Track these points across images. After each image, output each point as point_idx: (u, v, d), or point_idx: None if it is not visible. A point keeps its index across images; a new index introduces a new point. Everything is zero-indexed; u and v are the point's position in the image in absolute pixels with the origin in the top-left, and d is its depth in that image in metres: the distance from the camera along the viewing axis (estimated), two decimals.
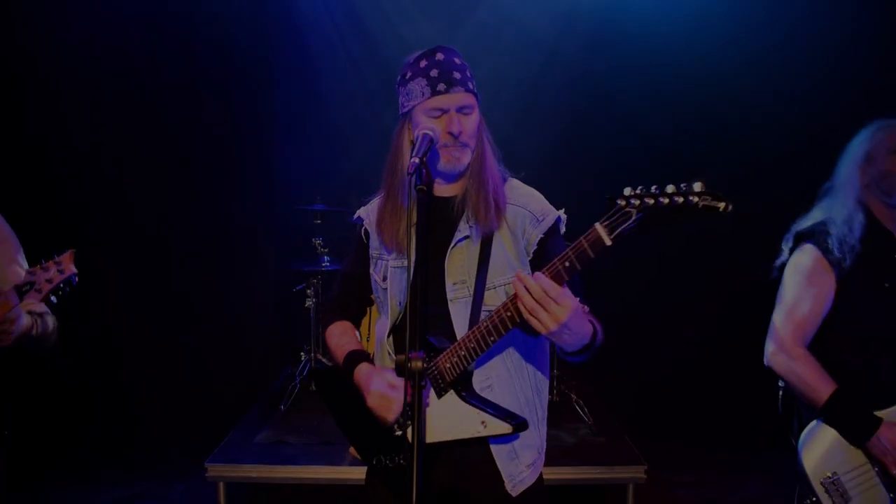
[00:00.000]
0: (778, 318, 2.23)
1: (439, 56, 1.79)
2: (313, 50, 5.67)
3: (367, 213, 2.01)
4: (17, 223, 2.38)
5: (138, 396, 5.26)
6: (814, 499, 2.10)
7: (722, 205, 1.39)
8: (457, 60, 1.81)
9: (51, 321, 2.30)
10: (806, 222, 2.31)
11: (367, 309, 2.15)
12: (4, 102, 4.82)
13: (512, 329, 1.64)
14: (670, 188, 1.42)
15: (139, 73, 5.28)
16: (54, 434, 4.81)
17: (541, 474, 1.92)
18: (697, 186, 1.40)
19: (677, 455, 4.71)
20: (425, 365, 1.75)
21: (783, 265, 2.32)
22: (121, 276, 5.28)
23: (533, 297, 1.49)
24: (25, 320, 2.10)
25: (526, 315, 1.53)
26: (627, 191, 1.46)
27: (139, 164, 5.37)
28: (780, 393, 2.35)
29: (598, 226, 1.48)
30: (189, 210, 5.51)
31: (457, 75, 1.77)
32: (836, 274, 2.14)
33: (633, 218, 1.44)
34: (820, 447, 2.11)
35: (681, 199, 1.40)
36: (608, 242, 1.47)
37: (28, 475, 4.30)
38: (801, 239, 2.27)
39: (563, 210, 1.89)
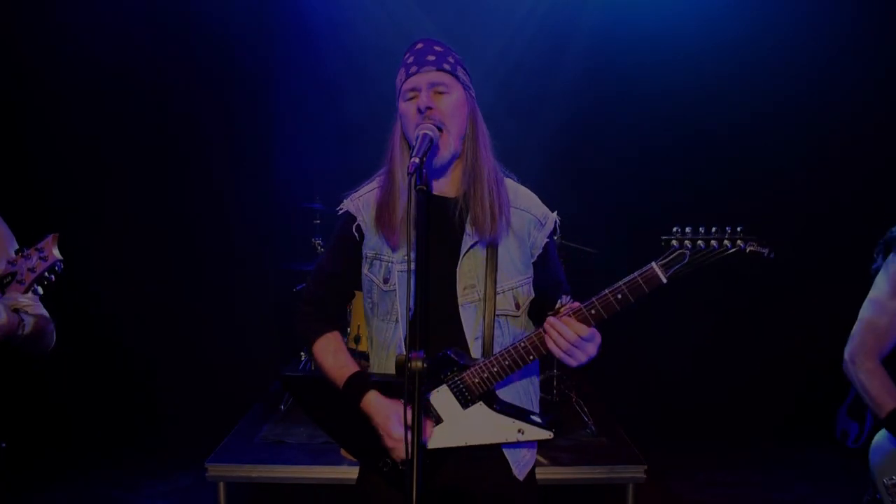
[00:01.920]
0: (858, 326, 2.25)
1: (419, 45, 1.83)
2: (314, 49, 5.66)
3: (359, 208, 1.93)
4: (17, 226, 2.33)
5: (138, 396, 5.27)
6: (878, 496, 2.16)
7: (766, 250, 1.56)
8: (436, 47, 1.81)
9: (49, 326, 2.14)
10: None
11: (348, 307, 2.13)
12: (4, 99, 4.82)
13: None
14: (717, 231, 1.59)
15: (138, 73, 5.28)
16: (53, 434, 4.81)
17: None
18: (741, 230, 1.57)
19: (678, 455, 4.71)
20: (449, 377, 1.76)
21: (877, 270, 2.29)
22: (121, 276, 5.28)
23: (568, 342, 1.63)
24: (5, 317, 1.92)
25: (559, 354, 1.66)
26: (677, 230, 1.60)
27: (139, 165, 5.37)
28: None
29: (654, 265, 1.61)
30: (189, 210, 5.51)
31: (430, 57, 1.78)
32: None
33: (687, 259, 1.59)
34: (889, 450, 2.17)
35: (730, 244, 1.57)
36: (664, 280, 1.60)
37: (27, 474, 4.30)
38: (890, 247, 2.23)
39: (556, 212, 1.95)
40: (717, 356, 5.48)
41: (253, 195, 5.69)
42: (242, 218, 5.67)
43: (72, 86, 5.07)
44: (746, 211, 4.95)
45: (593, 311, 1.62)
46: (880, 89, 5.02)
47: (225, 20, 5.35)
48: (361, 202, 1.94)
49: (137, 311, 5.39)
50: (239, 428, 4.14)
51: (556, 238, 1.96)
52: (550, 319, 1.64)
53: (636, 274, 1.61)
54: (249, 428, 4.13)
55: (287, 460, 3.66)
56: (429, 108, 1.74)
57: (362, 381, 1.84)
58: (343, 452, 3.57)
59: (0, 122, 4.83)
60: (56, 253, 1.89)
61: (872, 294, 2.23)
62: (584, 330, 1.62)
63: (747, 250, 1.56)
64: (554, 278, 1.92)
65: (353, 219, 1.94)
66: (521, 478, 1.88)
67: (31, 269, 1.88)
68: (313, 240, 4.94)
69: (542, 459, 3.58)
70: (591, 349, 1.66)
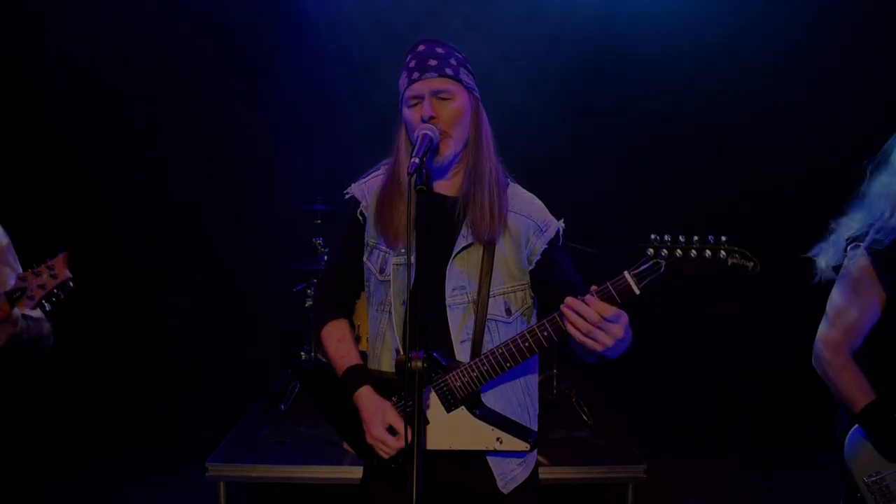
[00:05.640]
0: (826, 321, 2.22)
1: (420, 48, 1.79)
2: (314, 48, 5.65)
3: (364, 193, 1.94)
4: (14, 225, 2.34)
5: (138, 397, 5.26)
6: (858, 495, 2.11)
7: (751, 264, 1.40)
8: (438, 49, 1.78)
9: (45, 327, 2.20)
10: (851, 228, 2.23)
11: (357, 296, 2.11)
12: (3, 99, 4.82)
13: (531, 357, 1.65)
14: (698, 240, 1.43)
15: (138, 72, 5.27)
16: (53, 435, 4.81)
17: (534, 470, 1.93)
18: (725, 240, 1.41)
19: (678, 454, 4.71)
20: (434, 379, 1.75)
21: (837, 266, 2.23)
22: (120, 276, 5.27)
23: (588, 322, 1.47)
24: (19, 324, 2.00)
25: (580, 338, 1.49)
26: (655, 238, 1.46)
27: (138, 165, 5.36)
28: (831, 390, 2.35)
29: (627, 274, 1.49)
30: (189, 209, 5.50)
31: (433, 62, 1.75)
32: (886, 286, 2.08)
33: (663, 269, 1.46)
34: (865, 446, 2.13)
35: (709, 254, 1.41)
36: (636, 291, 1.49)
37: (28, 475, 4.30)
38: (852, 243, 2.19)
39: (562, 220, 1.88)
40: (718, 355, 5.47)
41: (253, 195, 5.68)
42: (243, 218, 5.66)
43: (70, 84, 5.05)
44: (759, 206, 4.91)
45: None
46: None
47: (226, 18, 5.34)
48: (366, 187, 1.95)
49: (137, 311, 5.38)
50: (239, 428, 4.14)
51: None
52: (568, 300, 1.49)
53: (608, 283, 1.50)
54: (249, 428, 4.12)
55: (287, 460, 3.66)
56: (432, 117, 1.72)
57: (359, 374, 1.85)
58: (346, 446, 3.58)
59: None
60: (66, 271, 1.96)
61: (839, 287, 2.19)
62: (608, 309, 1.45)
63: (729, 262, 1.40)
64: (562, 285, 1.80)
65: (358, 203, 1.94)
66: (505, 491, 1.84)
67: (41, 286, 1.94)
68: (313, 240, 4.93)
69: (542, 460, 3.57)
70: (617, 330, 1.46)
